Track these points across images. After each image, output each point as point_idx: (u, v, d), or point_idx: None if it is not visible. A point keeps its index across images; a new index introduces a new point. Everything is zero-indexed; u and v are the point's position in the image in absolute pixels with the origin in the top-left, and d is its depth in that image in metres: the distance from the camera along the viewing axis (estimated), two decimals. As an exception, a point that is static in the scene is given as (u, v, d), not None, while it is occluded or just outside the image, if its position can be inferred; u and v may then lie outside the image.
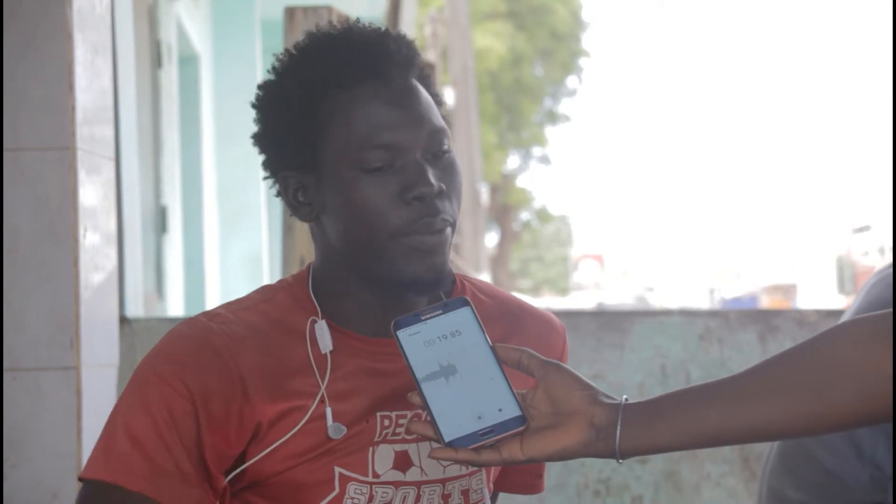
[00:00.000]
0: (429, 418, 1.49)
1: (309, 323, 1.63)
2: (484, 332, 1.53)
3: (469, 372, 1.50)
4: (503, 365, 1.52)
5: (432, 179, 1.58)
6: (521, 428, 1.48)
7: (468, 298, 1.54)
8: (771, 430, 1.47)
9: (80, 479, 1.58)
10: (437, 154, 1.61)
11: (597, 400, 1.49)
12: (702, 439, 1.48)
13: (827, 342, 1.46)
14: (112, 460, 1.56)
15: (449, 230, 1.60)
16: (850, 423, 1.45)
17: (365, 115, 1.59)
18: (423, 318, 1.52)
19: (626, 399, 1.50)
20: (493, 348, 1.52)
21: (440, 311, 1.52)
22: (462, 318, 1.53)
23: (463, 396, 1.48)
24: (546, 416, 1.50)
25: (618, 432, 1.47)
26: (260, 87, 1.67)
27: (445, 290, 1.70)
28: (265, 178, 1.69)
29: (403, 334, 1.51)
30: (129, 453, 1.55)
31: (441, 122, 1.63)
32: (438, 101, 1.67)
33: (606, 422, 1.48)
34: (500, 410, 1.48)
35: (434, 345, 1.51)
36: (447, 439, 1.47)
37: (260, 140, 1.67)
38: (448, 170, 1.62)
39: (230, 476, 1.61)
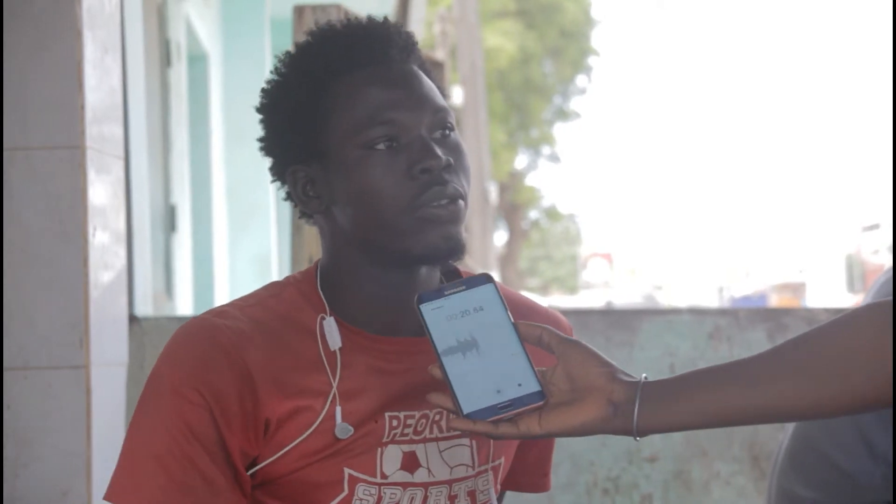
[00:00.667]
0: (449, 391, 1.49)
1: (318, 320, 1.63)
2: (506, 309, 1.53)
3: (490, 347, 1.51)
4: (524, 342, 1.52)
5: (439, 152, 1.59)
6: (540, 403, 1.49)
7: (490, 275, 1.55)
8: (786, 411, 1.48)
9: (106, 500, 1.58)
10: (443, 133, 1.62)
11: (615, 377, 1.50)
12: (719, 418, 1.49)
13: (846, 325, 1.47)
14: (138, 482, 1.55)
15: (461, 202, 1.60)
16: (865, 406, 1.46)
17: (367, 97, 1.61)
18: (445, 293, 1.53)
19: (646, 377, 1.51)
20: (514, 325, 1.53)
21: (463, 287, 1.53)
22: (484, 294, 1.54)
23: (483, 370, 1.49)
24: (565, 393, 1.51)
25: (636, 409, 1.48)
26: (263, 89, 1.68)
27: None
28: (273, 182, 1.69)
29: (426, 308, 1.51)
30: (154, 474, 1.55)
31: (444, 103, 1.64)
32: (443, 94, 1.68)
33: (625, 399, 1.48)
34: (519, 385, 1.49)
35: (456, 319, 1.52)
36: (466, 411, 1.48)
37: (266, 141, 1.68)
38: (454, 149, 1.62)
39: None
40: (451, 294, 1.53)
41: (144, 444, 1.56)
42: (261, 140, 1.69)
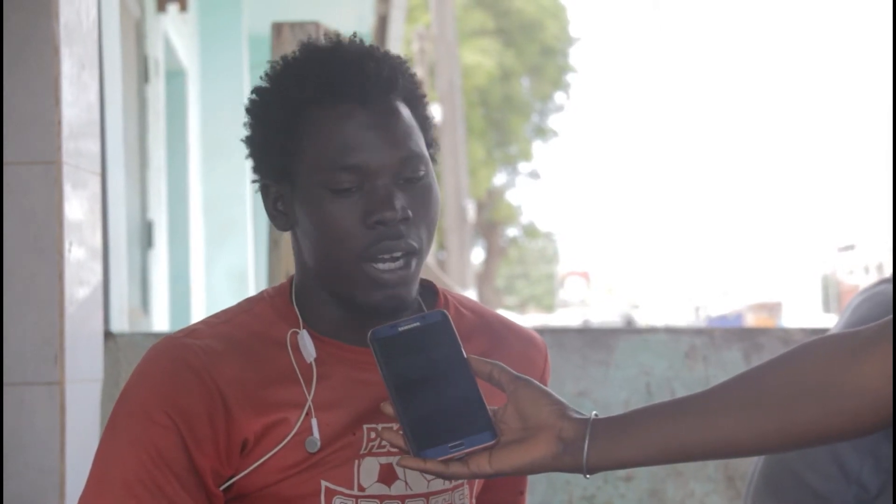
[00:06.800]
0: (400, 429, 1.49)
1: (290, 333, 1.63)
2: (460, 346, 1.52)
3: (442, 384, 1.50)
4: (476, 378, 1.52)
5: (397, 205, 1.57)
6: (492, 442, 1.49)
7: (445, 312, 1.54)
8: (736, 446, 1.47)
9: None
10: (411, 179, 1.60)
11: (565, 414, 1.49)
12: (669, 454, 1.49)
13: (792, 360, 1.47)
14: None
15: (414, 261, 1.59)
16: (816, 440, 1.46)
17: (337, 136, 1.59)
18: (399, 328, 1.51)
19: (596, 414, 1.51)
20: (467, 362, 1.52)
21: (417, 323, 1.52)
22: (439, 330, 1.52)
23: (435, 408, 1.49)
24: (515, 431, 1.50)
25: (585, 446, 1.47)
26: (252, 91, 1.67)
27: (428, 303, 1.70)
28: (253, 182, 1.70)
29: (379, 344, 1.51)
30: (122, 500, 1.55)
31: (419, 149, 1.62)
32: (426, 125, 1.66)
33: (574, 436, 1.48)
34: (471, 424, 1.49)
35: (409, 356, 1.50)
36: (416, 450, 1.47)
37: (248, 145, 1.68)
38: (421, 197, 1.61)
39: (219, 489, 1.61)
40: (405, 329, 1.51)
41: (113, 470, 1.56)
42: (244, 140, 1.68)
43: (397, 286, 1.59)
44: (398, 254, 1.58)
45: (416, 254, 1.60)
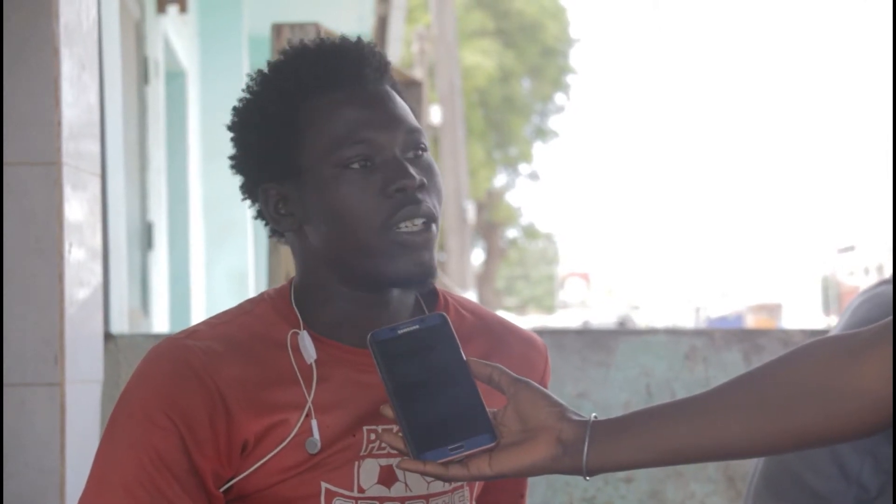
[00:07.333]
0: (400, 431, 1.49)
1: (290, 334, 1.63)
2: (459, 349, 1.53)
3: (442, 387, 1.50)
4: (476, 381, 1.52)
5: (413, 172, 1.60)
6: (491, 445, 1.49)
7: (445, 314, 1.55)
8: (736, 447, 1.48)
9: None
10: (416, 153, 1.64)
11: (565, 416, 1.50)
12: (668, 456, 1.49)
13: (792, 361, 1.47)
14: None
15: (434, 226, 1.61)
16: (815, 442, 1.47)
17: (343, 116, 1.62)
18: (399, 331, 1.52)
19: (595, 416, 1.51)
20: (466, 364, 1.52)
21: (416, 326, 1.53)
22: (438, 333, 1.53)
23: (435, 411, 1.49)
24: (515, 433, 1.51)
25: (585, 448, 1.48)
26: (235, 108, 1.68)
27: (428, 304, 1.71)
28: (243, 200, 1.70)
29: (378, 347, 1.51)
30: (122, 501, 1.55)
31: (417, 124, 1.66)
32: (414, 113, 1.69)
33: (574, 438, 1.49)
34: (470, 426, 1.49)
35: (408, 358, 1.51)
36: (416, 452, 1.48)
37: (238, 160, 1.69)
38: (427, 169, 1.64)
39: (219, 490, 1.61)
40: (404, 332, 1.52)
41: (113, 473, 1.56)
42: (232, 158, 1.70)
43: (422, 249, 1.60)
44: (420, 220, 1.60)
45: (435, 220, 1.62)
